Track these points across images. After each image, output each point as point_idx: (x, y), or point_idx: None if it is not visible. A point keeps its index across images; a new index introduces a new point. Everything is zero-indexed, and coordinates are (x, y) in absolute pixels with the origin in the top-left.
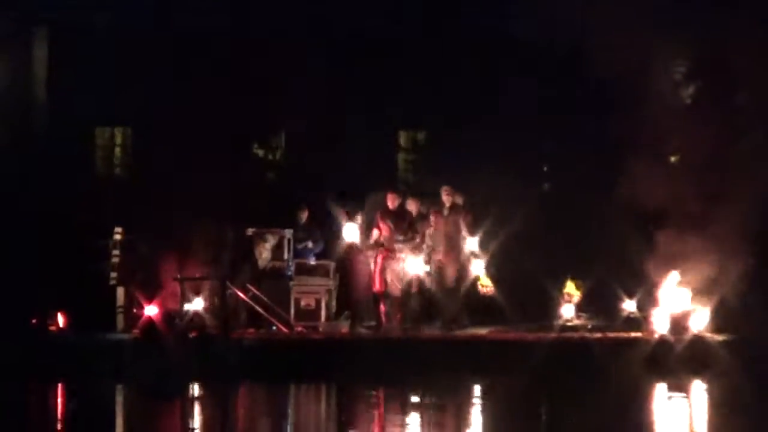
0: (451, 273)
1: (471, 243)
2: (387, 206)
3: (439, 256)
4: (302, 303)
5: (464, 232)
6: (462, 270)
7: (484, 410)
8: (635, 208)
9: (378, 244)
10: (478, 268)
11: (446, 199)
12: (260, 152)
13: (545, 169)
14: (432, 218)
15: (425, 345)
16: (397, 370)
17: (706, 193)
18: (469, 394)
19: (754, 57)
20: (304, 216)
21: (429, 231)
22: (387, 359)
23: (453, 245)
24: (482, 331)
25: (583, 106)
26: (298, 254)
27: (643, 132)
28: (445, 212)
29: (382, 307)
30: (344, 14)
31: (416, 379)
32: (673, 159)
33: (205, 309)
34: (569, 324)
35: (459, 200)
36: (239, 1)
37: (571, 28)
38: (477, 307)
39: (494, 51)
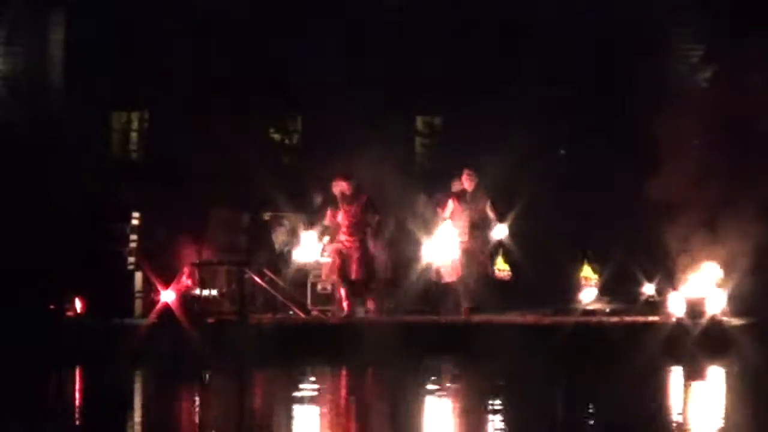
0: (478, 260)
1: (499, 229)
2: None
3: (464, 243)
4: (319, 287)
5: (491, 217)
6: (485, 257)
7: (502, 394)
8: (655, 191)
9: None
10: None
11: (469, 183)
12: (277, 136)
13: (562, 152)
14: (451, 203)
15: (442, 330)
16: (414, 354)
17: (726, 176)
18: (485, 379)
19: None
20: (320, 200)
21: (445, 216)
22: (404, 343)
23: (479, 231)
24: (499, 316)
25: (602, 89)
26: None
27: (662, 115)
28: (468, 197)
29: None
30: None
31: (433, 363)
32: (693, 142)
33: (223, 294)
34: (586, 308)
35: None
36: None
37: (591, 9)
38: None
39: (512, 34)
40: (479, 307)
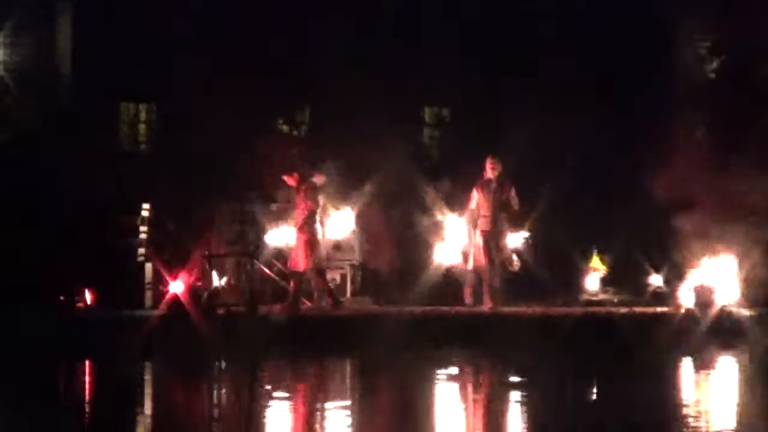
0: (505, 249)
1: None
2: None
3: (486, 233)
4: (328, 278)
5: (514, 205)
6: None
7: (511, 385)
8: (664, 182)
9: None
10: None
11: (492, 171)
12: (285, 128)
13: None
14: (475, 192)
15: (449, 321)
16: (422, 346)
17: (734, 165)
18: (493, 369)
19: None
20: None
21: (471, 206)
22: (412, 334)
23: (503, 220)
24: (507, 307)
25: (612, 80)
26: None
27: (671, 106)
28: (492, 186)
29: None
30: None
31: (441, 354)
32: (700, 133)
33: (232, 285)
34: (594, 298)
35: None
36: None
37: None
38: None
39: (520, 26)
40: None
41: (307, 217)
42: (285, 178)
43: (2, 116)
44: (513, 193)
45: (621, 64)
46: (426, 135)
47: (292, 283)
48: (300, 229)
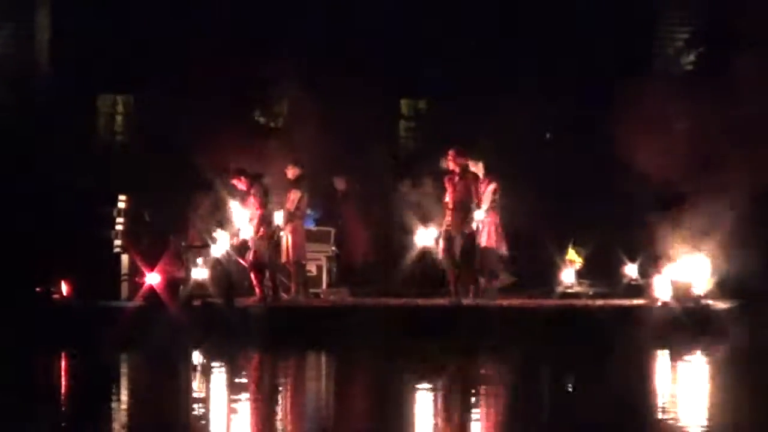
0: (459, 242)
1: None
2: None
3: (448, 225)
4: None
5: (475, 199)
6: (470, 239)
7: (487, 377)
8: (640, 175)
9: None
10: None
11: (453, 163)
12: (262, 119)
13: (548, 135)
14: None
15: (429, 312)
16: (399, 338)
17: (711, 160)
18: (471, 361)
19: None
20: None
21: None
22: (388, 327)
23: (461, 213)
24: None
25: (587, 71)
26: None
27: (647, 98)
28: (456, 178)
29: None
30: None
31: (419, 346)
32: (679, 126)
33: (209, 277)
34: (569, 291)
35: (473, 166)
36: None
37: None
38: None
39: (498, 18)
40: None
41: (260, 222)
42: (234, 182)
43: None
44: (474, 186)
45: (599, 57)
46: (402, 127)
47: (255, 276)
48: (257, 234)
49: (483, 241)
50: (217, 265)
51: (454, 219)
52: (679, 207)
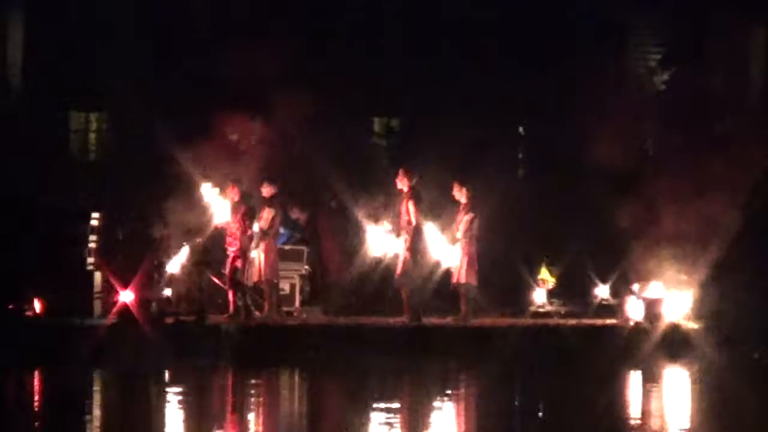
0: (401, 260)
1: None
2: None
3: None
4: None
5: (411, 218)
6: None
7: (458, 397)
8: (612, 196)
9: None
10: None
11: (402, 182)
12: (235, 138)
13: (520, 155)
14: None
15: (398, 332)
16: (369, 357)
17: (682, 182)
18: (442, 381)
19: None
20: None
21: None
22: (359, 345)
23: (408, 235)
24: (449, 319)
25: (561, 92)
26: None
27: (619, 119)
28: (402, 197)
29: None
30: (322, 3)
31: (389, 365)
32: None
33: (181, 295)
34: (541, 310)
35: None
36: None
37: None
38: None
39: (469, 36)
40: (419, 315)
41: (242, 240)
42: (230, 188)
43: None
44: (407, 206)
45: (572, 78)
46: (375, 145)
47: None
48: (239, 251)
49: (462, 275)
50: (190, 283)
51: (408, 241)
52: (650, 228)
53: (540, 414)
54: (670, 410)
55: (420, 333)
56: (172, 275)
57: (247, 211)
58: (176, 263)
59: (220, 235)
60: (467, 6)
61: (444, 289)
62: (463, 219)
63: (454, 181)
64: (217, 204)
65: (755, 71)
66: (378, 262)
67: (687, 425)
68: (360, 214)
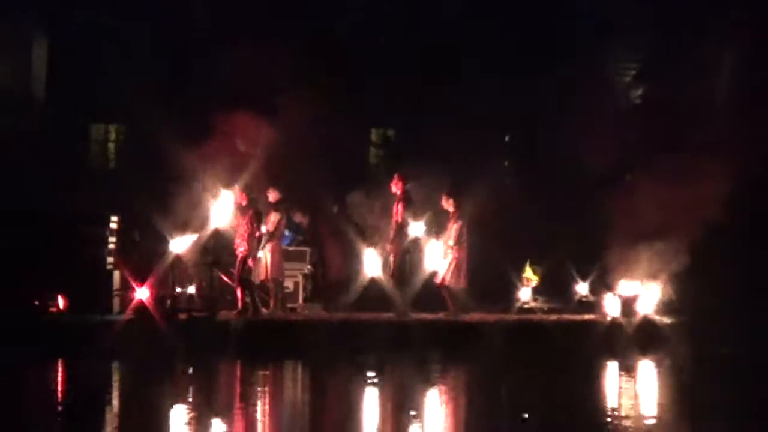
0: (393, 261)
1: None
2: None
3: (391, 245)
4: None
5: (400, 220)
6: (402, 258)
7: (448, 387)
8: (591, 202)
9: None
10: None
11: (396, 187)
12: (243, 148)
13: (506, 163)
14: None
15: (391, 327)
16: (365, 348)
17: (655, 188)
18: (433, 372)
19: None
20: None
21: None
22: (355, 338)
23: (393, 234)
24: (442, 314)
25: (545, 107)
26: None
27: (598, 131)
28: (396, 201)
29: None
30: (320, 16)
31: (387, 358)
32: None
33: (194, 292)
34: (526, 306)
35: (445, 201)
36: (224, 10)
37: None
38: (435, 293)
39: (457, 53)
40: (405, 311)
41: (249, 241)
42: (239, 194)
43: None
44: (401, 208)
45: (554, 93)
46: (372, 154)
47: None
48: (247, 251)
49: (445, 277)
50: (201, 282)
51: (392, 239)
52: (626, 230)
53: (524, 399)
54: (639, 397)
55: (412, 327)
56: (184, 273)
57: (254, 214)
58: (182, 250)
59: (227, 237)
60: (456, 30)
61: (433, 287)
62: (453, 227)
63: (443, 194)
64: (223, 208)
65: (722, 86)
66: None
67: (653, 410)
68: (358, 218)
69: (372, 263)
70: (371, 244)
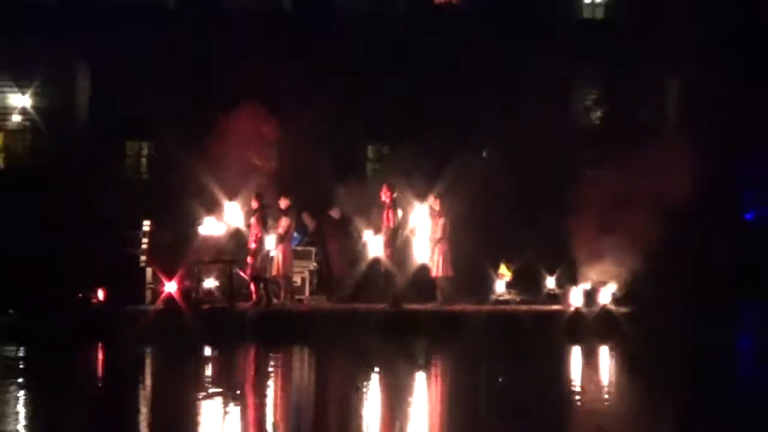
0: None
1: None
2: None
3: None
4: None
5: (389, 223)
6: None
7: (433, 366)
8: (558, 208)
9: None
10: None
11: (385, 195)
12: (258, 162)
13: (483, 173)
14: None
15: (384, 317)
16: (363, 335)
17: (617, 193)
18: (418, 356)
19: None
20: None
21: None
22: (355, 326)
23: (386, 239)
24: (428, 305)
25: (517, 126)
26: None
27: (561, 146)
28: (385, 208)
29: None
30: (320, 33)
31: (379, 345)
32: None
33: (216, 287)
34: (501, 299)
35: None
36: (238, 33)
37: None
38: (423, 286)
39: (444, 76)
40: (398, 302)
41: (259, 241)
42: (253, 199)
43: (34, 149)
44: (388, 215)
45: (525, 114)
46: (369, 168)
47: (254, 286)
48: (254, 249)
49: (439, 269)
50: (222, 277)
51: (385, 243)
52: (588, 231)
53: (499, 378)
54: (597, 375)
55: (403, 316)
56: (207, 270)
57: (261, 215)
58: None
59: (243, 237)
60: (436, 62)
61: (422, 281)
62: (439, 223)
63: (431, 194)
64: (237, 212)
65: (670, 109)
66: (372, 260)
67: (608, 386)
68: (357, 222)
69: (373, 243)
70: (368, 225)
